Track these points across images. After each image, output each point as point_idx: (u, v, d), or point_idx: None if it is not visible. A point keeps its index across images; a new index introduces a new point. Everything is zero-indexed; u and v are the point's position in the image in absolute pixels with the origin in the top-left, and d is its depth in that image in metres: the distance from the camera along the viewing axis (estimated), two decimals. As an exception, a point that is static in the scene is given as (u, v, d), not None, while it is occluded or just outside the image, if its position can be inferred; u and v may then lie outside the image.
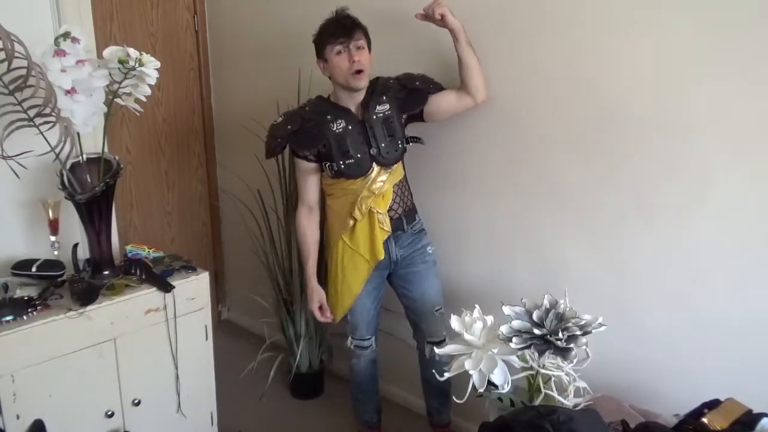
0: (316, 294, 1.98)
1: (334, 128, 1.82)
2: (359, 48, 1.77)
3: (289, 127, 1.86)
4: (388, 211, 1.88)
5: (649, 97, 1.60)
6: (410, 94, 1.88)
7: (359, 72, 1.76)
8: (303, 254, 2.01)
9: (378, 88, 1.87)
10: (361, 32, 1.79)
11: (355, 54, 1.75)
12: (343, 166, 1.82)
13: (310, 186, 1.95)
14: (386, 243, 1.90)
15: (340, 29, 1.76)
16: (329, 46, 1.77)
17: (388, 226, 1.88)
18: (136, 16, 2.71)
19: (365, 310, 2.01)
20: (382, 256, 1.88)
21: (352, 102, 1.85)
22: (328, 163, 1.84)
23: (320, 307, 1.98)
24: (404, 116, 1.90)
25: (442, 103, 1.88)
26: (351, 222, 1.88)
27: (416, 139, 1.96)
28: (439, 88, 1.90)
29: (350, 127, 1.82)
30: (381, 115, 1.84)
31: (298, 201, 2.00)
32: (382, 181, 1.86)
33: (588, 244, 1.79)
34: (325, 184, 1.95)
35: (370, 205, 1.85)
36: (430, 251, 2.00)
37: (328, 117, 1.82)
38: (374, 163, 1.84)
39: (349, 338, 2.07)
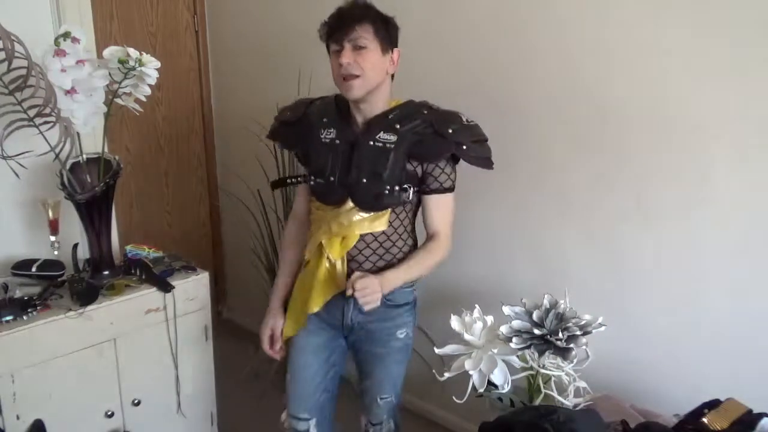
0: (270, 318, 1.62)
1: (322, 135, 1.49)
2: (358, 48, 1.37)
3: (289, 113, 1.58)
4: (350, 261, 1.48)
5: (649, 97, 1.60)
6: (431, 140, 1.43)
7: (349, 78, 1.38)
8: (278, 270, 1.69)
9: (398, 111, 1.46)
10: (366, 26, 1.38)
11: (347, 53, 1.37)
12: (313, 183, 1.50)
13: (301, 192, 1.64)
14: (341, 301, 1.50)
15: (336, 22, 1.40)
16: (329, 42, 1.44)
17: (341, 280, 1.47)
18: (136, 16, 2.71)
19: (308, 374, 1.58)
20: (313, 309, 1.49)
21: (359, 113, 1.47)
22: (305, 175, 1.55)
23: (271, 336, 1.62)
24: (414, 164, 1.45)
25: (426, 212, 1.51)
26: (305, 254, 1.56)
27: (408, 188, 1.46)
28: (480, 161, 1.46)
29: (338, 142, 1.46)
30: (380, 144, 1.43)
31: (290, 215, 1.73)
32: (349, 221, 1.46)
33: (588, 244, 1.79)
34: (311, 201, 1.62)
35: (324, 245, 1.47)
36: (402, 335, 1.55)
37: (324, 120, 1.50)
38: (349, 197, 1.46)
39: (284, 412, 1.64)
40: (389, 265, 1.49)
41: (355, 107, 1.46)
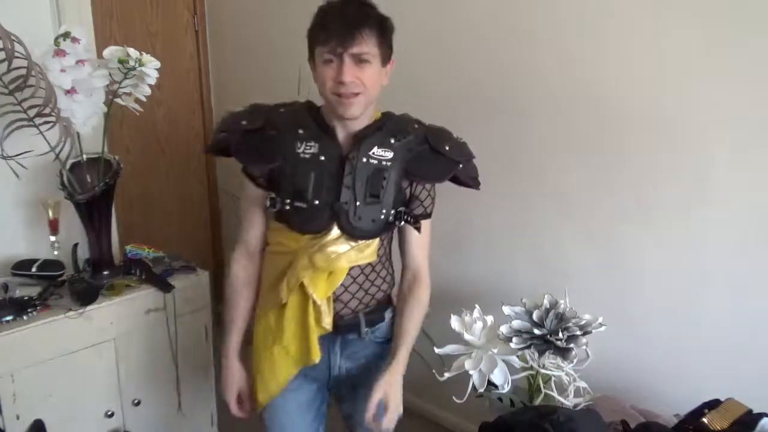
0: (236, 378, 1.39)
1: (299, 149, 1.23)
2: (360, 61, 1.16)
3: (244, 122, 1.27)
4: (334, 301, 1.29)
5: (649, 97, 1.60)
6: (430, 158, 1.29)
7: (349, 96, 1.18)
8: (227, 317, 1.39)
9: (393, 124, 1.29)
10: (371, 34, 1.17)
11: (349, 69, 1.15)
12: (288, 208, 1.23)
13: (255, 220, 1.35)
14: (325, 346, 1.31)
15: (335, 25, 1.15)
16: (318, 48, 1.19)
17: (328, 323, 1.27)
18: (136, 16, 2.71)
19: None
20: (317, 357, 1.28)
21: (342, 126, 1.26)
22: (272, 195, 1.26)
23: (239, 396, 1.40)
24: (404, 184, 1.30)
25: (407, 240, 1.36)
26: (282, 296, 1.29)
27: (412, 220, 1.31)
28: (473, 180, 1.37)
29: (323, 158, 1.23)
30: (375, 162, 1.24)
31: (235, 245, 1.40)
32: (336, 252, 1.25)
33: (588, 244, 1.79)
34: (269, 227, 1.35)
35: (306, 284, 1.25)
36: None
37: (300, 132, 1.24)
38: (335, 224, 1.25)
39: None
40: (374, 305, 1.35)
41: (338, 119, 1.25)
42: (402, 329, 1.34)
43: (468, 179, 1.36)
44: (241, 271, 1.37)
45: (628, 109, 1.63)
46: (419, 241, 1.35)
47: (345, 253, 1.25)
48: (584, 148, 1.74)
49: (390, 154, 1.25)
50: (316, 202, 1.23)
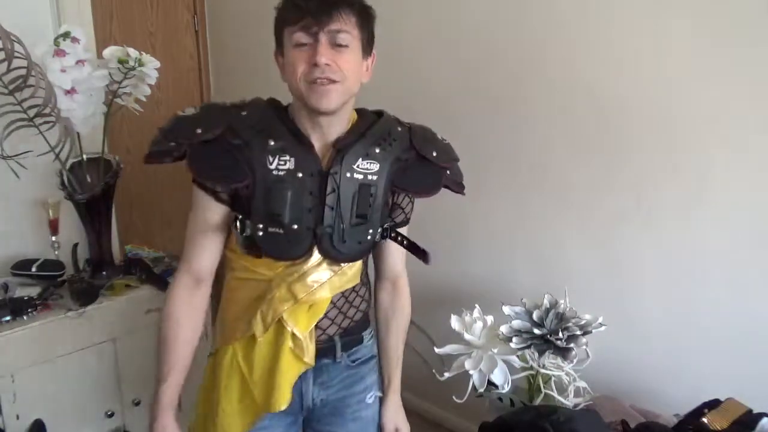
0: None
1: (272, 164, 1.04)
2: (337, 44, 0.99)
3: (199, 131, 1.03)
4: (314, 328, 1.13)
5: (649, 97, 1.60)
6: (419, 168, 1.14)
7: (324, 82, 0.99)
8: (163, 360, 1.10)
9: (375, 129, 1.11)
10: (350, 16, 1.00)
11: (325, 50, 0.98)
12: (261, 234, 1.04)
13: (209, 244, 1.11)
14: (299, 379, 1.14)
15: (310, 2, 0.98)
16: (287, 29, 1.01)
17: (310, 357, 1.11)
18: (136, 16, 2.71)
19: None
20: (282, 405, 1.09)
21: (318, 133, 1.07)
22: (240, 218, 1.05)
23: None
24: (388, 194, 1.14)
25: (385, 247, 1.23)
26: (257, 333, 1.11)
27: (401, 239, 1.16)
28: (458, 186, 1.22)
29: (300, 174, 1.04)
30: (360, 177, 1.07)
31: (178, 267, 1.15)
32: (318, 281, 1.10)
33: (588, 244, 1.79)
34: (230, 249, 1.14)
35: (285, 318, 1.09)
36: (372, 400, 1.25)
37: (272, 143, 1.04)
38: (316, 248, 1.08)
39: None
40: (351, 326, 1.19)
41: (313, 123, 1.06)
42: (390, 350, 1.26)
43: (453, 184, 1.20)
44: (184, 305, 1.11)
45: (629, 109, 1.63)
46: (399, 247, 1.20)
47: (328, 281, 1.11)
48: (584, 147, 1.74)
49: (376, 166, 1.09)
50: (295, 226, 1.04)
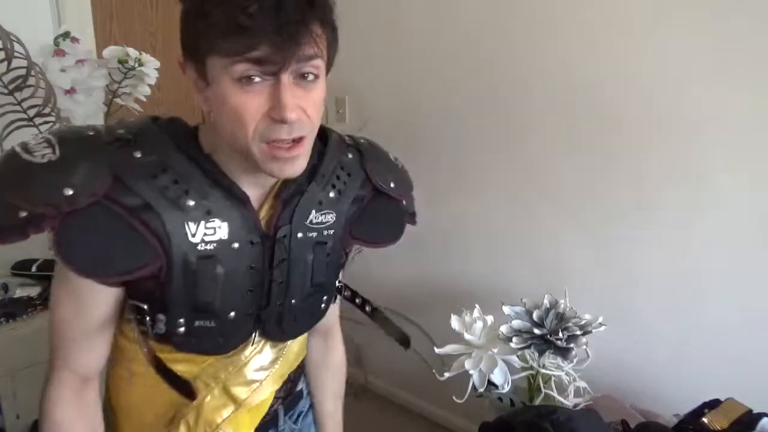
0: None
1: (195, 236, 0.72)
2: (305, 78, 0.69)
3: (68, 192, 0.65)
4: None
5: (649, 97, 1.60)
6: (375, 210, 0.90)
7: (290, 146, 0.69)
8: None
9: (326, 164, 0.83)
10: (318, 31, 0.68)
11: (292, 98, 0.67)
12: (182, 331, 0.76)
13: (94, 344, 0.79)
14: None
15: (263, 17, 0.62)
16: (217, 57, 0.68)
17: None
18: (136, 16, 2.71)
19: None
20: None
21: (251, 177, 0.76)
22: (151, 314, 0.75)
23: None
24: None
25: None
26: None
27: (358, 300, 0.95)
28: (411, 217, 0.98)
29: (236, 245, 0.75)
30: (315, 234, 0.82)
31: (51, 363, 0.79)
32: (260, 370, 0.87)
33: (588, 244, 1.79)
34: (123, 335, 0.83)
35: (223, 428, 0.86)
36: None
37: (191, 204, 0.71)
38: (256, 332, 0.84)
39: None
40: (291, 386, 0.97)
41: (248, 169, 0.74)
42: (326, 416, 1.06)
43: (408, 216, 0.97)
44: (73, 408, 0.78)
45: (628, 109, 1.63)
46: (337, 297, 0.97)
47: (271, 374, 0.88)
48: (584, 147, 1.74)
49: (332, 217, 0.83)
50: (232, 314, 0.78)
